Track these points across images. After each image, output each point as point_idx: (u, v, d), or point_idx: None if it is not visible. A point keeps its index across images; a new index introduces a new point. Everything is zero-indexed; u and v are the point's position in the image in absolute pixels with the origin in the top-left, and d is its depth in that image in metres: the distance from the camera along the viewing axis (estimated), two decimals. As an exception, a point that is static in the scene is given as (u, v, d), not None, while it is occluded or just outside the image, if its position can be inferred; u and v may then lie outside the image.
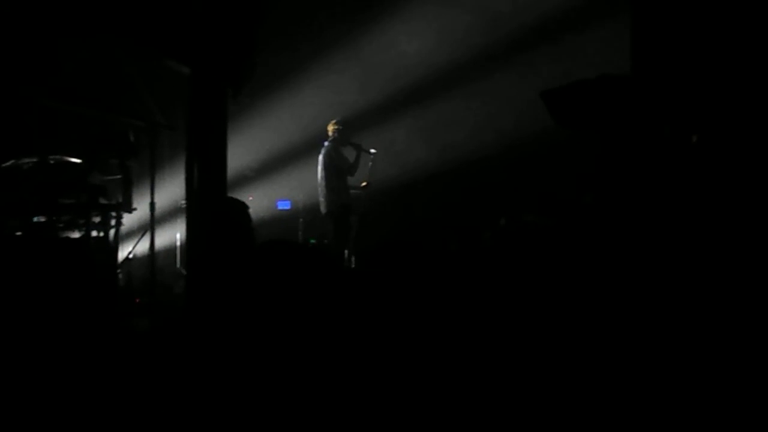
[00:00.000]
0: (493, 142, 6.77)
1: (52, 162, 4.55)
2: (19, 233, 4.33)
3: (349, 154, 6.52)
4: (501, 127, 6.72)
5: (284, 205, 7.91)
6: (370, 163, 6.52)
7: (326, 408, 2.40)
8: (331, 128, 6.43)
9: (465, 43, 7.10)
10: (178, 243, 6.87)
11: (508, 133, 6.57)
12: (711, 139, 2.73)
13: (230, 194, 5.01)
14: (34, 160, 4.47)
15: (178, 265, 6.78)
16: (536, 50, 6.53)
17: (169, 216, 6.58)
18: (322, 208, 6.30)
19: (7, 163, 4.43)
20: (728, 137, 2.71)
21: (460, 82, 7.20)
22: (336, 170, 6.26)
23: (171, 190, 6.52)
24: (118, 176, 4.79)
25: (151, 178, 4.58)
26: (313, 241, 7.01)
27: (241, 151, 7.59)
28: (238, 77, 3.65)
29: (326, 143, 6.40)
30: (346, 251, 6.27)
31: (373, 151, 6.53)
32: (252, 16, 3.61)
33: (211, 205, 3.49)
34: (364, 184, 6.56)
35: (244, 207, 4.42)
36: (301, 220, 7.61)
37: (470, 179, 6.99)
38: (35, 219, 4.40)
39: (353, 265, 6.24)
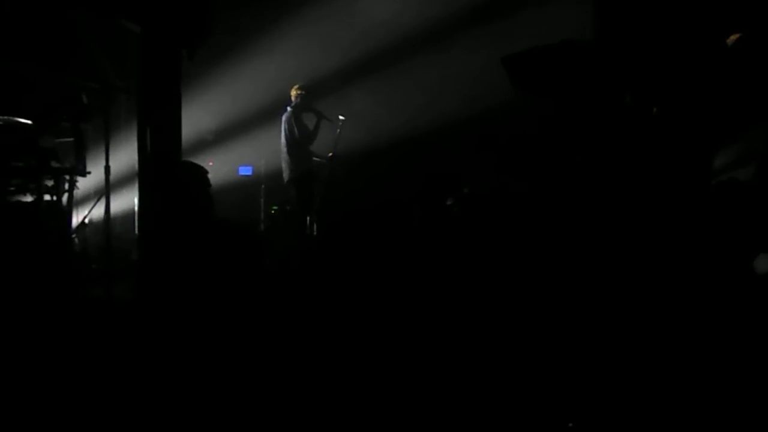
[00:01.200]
0: (458, 108, 6.74)
1: (1, 123, 4.38)
2: (-34, 197, 4.17)
3: (311, 120, 6.42)
4: (465, 93, 6.69)
5: (246, 171, 7.80)
6: (339, 131, 6.43)
7: (279, 384, 2.39)
8: (293, 93, 6.30)
9: (430, 7, 7.00)
10: (136, 208, 6.71)
11: (472, 98, 6.54)
12: (671, 110, 2.75)
13: (190, 159, 4.91)
14: (-18, 120, 4.29)
15: (136, 231, 6.64)
16: (502, 16, 6.48)
17: (127, 180, 6.41)
18: (285, 176, 6.23)
19: (-47, 124, 4.24)
20: (689, 108, 2.73)
21: (425, 47, 7.12)
22: (295, 138, 6.17)
23: (128, 153, 6.33)
24: (71, 139, 4.64)
25: (105, 141, 4.43)
26: (275, 207, 6.92)
27: (201, 115, 7.42)
28: (192, 38, 3.51)
29: (288, 108, 6.29)
30: (308, 218, 6.22)
31: (341, 118, 6.43)
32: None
33: (164, 169, 3.39)
34: (330, 154, 6.48)
35: (202, 171, 4.31)
36: (263, 186, 7.51)
37: (435, 145, 6.97)
38: (-16, 183, 4.25)
39: (315, 233, 6.20)
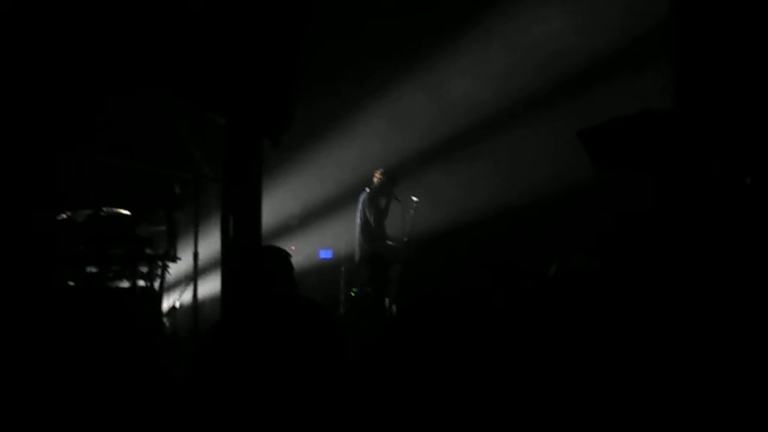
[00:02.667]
0: (538, 187, 6.64)
1: (103, 214, 4.70)
2: (71, 283, 4.43)
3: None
4: (547, 171, 6.61)
5: (326, 254, 7.92)
6: (413, 212, 6.48)
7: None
8: (376, 176, 6.48)
9: (508, 86, 7.08)
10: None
11: (554, 176, 6.44)
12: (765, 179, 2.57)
13: (273, 244, 5.04)
14: (89, 212, 4.62)
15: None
16: (581, 90, 6.44)
17: (216, 265, 6.66)
18: (356, 256, 6.36)
19: (64, 216, 4.60)
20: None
21: (504, 126, 7.15)
22: (367, 219, 6.29)
23: (217, 239, 6.61)
24: (164, 227, 4.91)
25: (195, 228, 4.67)
26: (355, 290, 6.95)
27: (285, 200, 7.68)
28: (275, 127, 3.69)
29: (366, 190, 6.45)
30: (387, 300, 6.20)
31: (415, 199, 6.50)
32: (290, 68, 3.67)
33: (245, 254, 3.48)
34: (405, 239, 6.52)
35: (285, 255, 4.40)
36: (342, 268, 7.58)
37: (516, 225, 6.84)
38: (87, 269, 4.51)
39: (394, 315, 6.15)
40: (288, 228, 7.97)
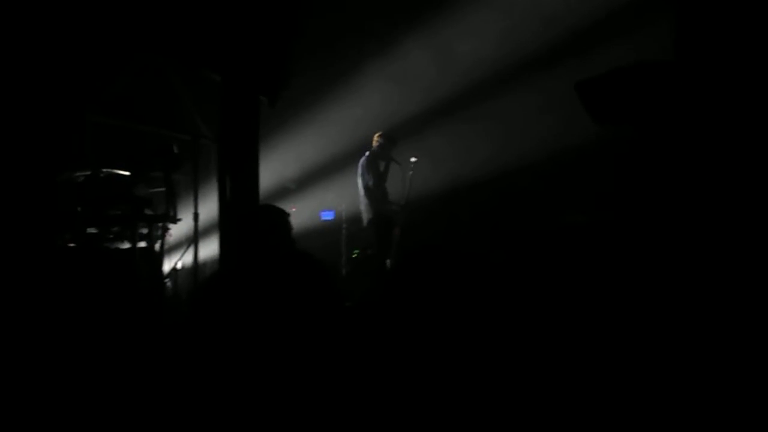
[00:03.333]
0: (539, 148, 6.60)
1: (102, 175, 4.69)
2: (72, 245, 4.44)
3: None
4: (547, 132, 6.56)
5: (327, 216, 7.93)
6: (410, 173, 6.44)
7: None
8: (375, 139, 6.44)
9: (509, 46, 6.98)
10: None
11: (554, 137, 6.40)
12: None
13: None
14: (87, 173, 4.61)
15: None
16: (584, 49, 6.34)
17: (216, 226, 6.68)
18: (363, 219, 6.36)
19: (62, 176, 4.58)
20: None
21: (504, 87, 7.08)
22: (367, 183, 6.27)
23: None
24: (163, 189, 4.89)
25: (194, 189, 4.65)
26: (356, 252, 6.97)
27: (284, 162, 7.66)
28: (272, 86, 3.64)
29: (366, 153, 6.42)
30: (388, 261, 6.22)
31: (413, 159, 6.45)
32: (286, 25, 3.61)
33: (242, 213, 3.48)
34: (403, 203, 6.51)
35: (283, 214, 4.40)
36: (344, 231, 7.58)
37: (516, 186, 6.83)
38: (88, 230, 4.52)
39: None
40: (286, 191, 7.97)
